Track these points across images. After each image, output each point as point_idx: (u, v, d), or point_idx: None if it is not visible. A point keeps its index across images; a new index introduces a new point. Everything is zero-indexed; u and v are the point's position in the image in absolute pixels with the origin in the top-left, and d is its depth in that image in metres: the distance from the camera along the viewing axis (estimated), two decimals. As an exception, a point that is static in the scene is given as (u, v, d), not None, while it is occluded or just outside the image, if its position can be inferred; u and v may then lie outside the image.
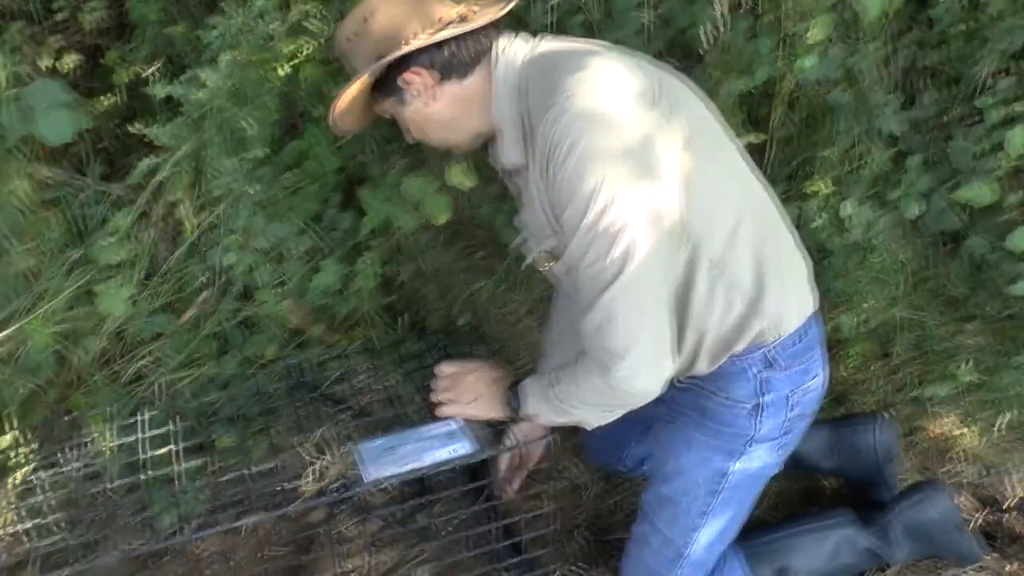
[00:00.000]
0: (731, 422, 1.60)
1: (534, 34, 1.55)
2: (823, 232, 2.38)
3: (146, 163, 2.10)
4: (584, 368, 1.47)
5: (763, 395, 1.56)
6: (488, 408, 1.69)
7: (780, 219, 1.63)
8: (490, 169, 1.84)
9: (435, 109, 1.50)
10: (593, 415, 1.55)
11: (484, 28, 1.47)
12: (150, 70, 2.54)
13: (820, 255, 2.52)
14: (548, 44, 1.50)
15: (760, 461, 1.65)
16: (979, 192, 2.41)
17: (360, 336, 2.37)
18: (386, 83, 1.49)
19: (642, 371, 1.42)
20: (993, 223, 2.55)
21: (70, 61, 2.34)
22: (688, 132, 1.43)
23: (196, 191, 2.23)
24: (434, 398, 1.73)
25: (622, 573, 1.81)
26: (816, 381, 1.63)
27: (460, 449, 1.64)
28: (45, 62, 2.35)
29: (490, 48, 1.48)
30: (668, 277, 1.43)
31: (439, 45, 1.44)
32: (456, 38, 1.45)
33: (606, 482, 2.19)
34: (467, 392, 1.70)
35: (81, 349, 2.11)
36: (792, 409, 1.61)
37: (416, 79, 1.46)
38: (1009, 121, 2.36)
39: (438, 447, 1.64)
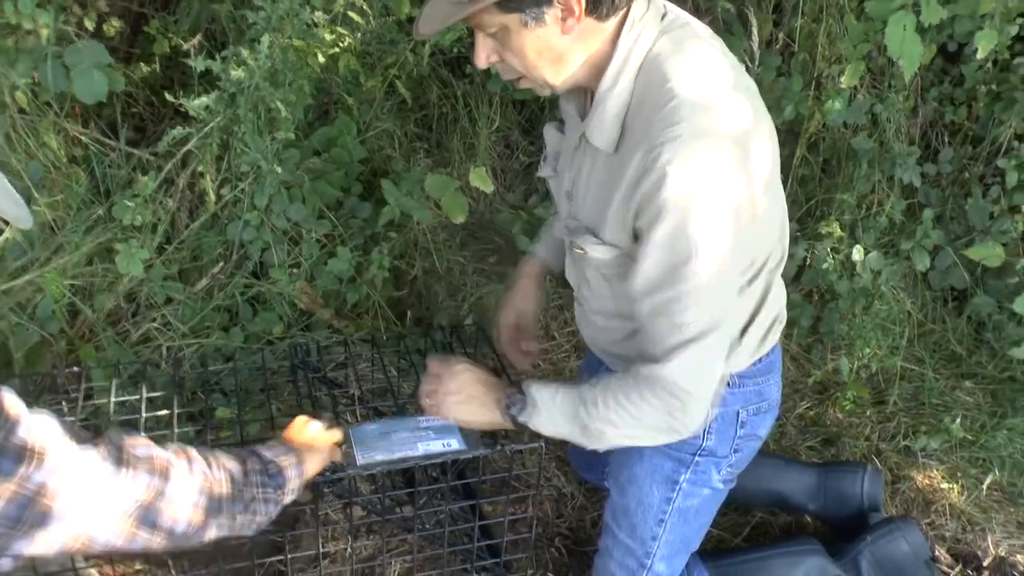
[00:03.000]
0: None
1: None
2: (832, 274, 2.40)
3: (177, 131, 2.13)
4: (647, 400, 1.38)
5: (712, 407, 1.49)
6: (479, 411, 1.54)
7: None
8: (512, 176, 1.87)
9: (564, 40, 1.32)
10: (622, 440, 1.46)
11: None
12: (190, 43, 2.59)
13: (827, 296, 2.55)
14: (675, 27, 1.37)
15: (709, 476, 1.64)
16: (990, 252, 2.44)
17: (367, 325, 2.40)
18: None
19: (705, 412, 1.40)
20: (1002, 284, 2.57)
21: (114, 26, 2.38)
22: (773, 167, 1.41)
23: (222, 165, 2.27)
24: (420, 396, 1.60)
25: None
26: (767, 404, 1.64)
27: (453, 444, 1.63)
28: (89, 24, 2.39)
29: (634, 1, 1.34)
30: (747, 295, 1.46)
31: None
32: None
33: (589, 494, 2.22)
34: (457, 392, 1.55)
35: (94, 304, 2.14)
36: (742, 427, 1.60)
37: (574, 3, 1.28)
38: (1026, 185, 2.39)
39: (432, 439, 1.64)
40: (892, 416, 2.46)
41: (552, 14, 1.28)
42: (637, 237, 1.34)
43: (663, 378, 1.35)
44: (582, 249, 1.46)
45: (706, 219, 1.27)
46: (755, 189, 1.33)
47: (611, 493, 1.76)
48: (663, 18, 1.37)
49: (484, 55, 1.37)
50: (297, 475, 1.38)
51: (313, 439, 1.49)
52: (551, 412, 1.46)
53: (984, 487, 2.30)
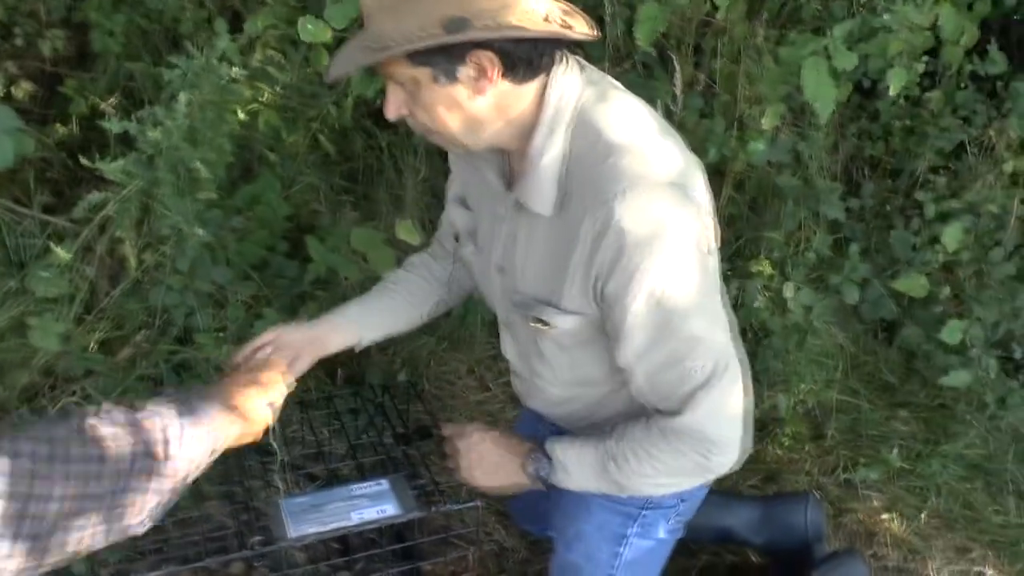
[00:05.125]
0: None
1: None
2: (764, 312, 2.42)
3: (94, 196, 2.07)
4: (674, 452, 1.38)
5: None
6: (504, 477, 1.53)
7: None
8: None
9: (476, 102, 1.27)
10: (659, 489, 1.47)
11: (559, 41, 1.29)
12: (108, 102, 2.53)
13: (760, 334, 2.56)
14: (594, 79, 1.36)
15: (657, 528, 1.63)
16: (915, 283, 2.48)
17: (295, 387, 2.34)
18: (434, 52, 1.22)
19: (737, 448, 1.40)
20: (928, 314, 2.62)
21: (24, 88, 2.33)
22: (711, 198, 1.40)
23: (143, 229, 2.21)
24: (449, 466, 1.59)
25: None
26: None
27: (388, 509, 1.62)
28: (-1, 88, 2.34)
29: (553, 64, 1.30)
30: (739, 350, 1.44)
31: (521, 39, 1.23)
32: (541, 39, 1.25)
33: (532, 547, 2.18)
34: (478, 462, 1.54)
35: (6, 382, 2.06)
36: None
37: (485, 64, 1.22)
38: (944, 216, 2.44)
39: (366, 507, 1.62)
40: (831, 449, 2.48)
41: (465, 73, 1.24)
42: (603, 300, 1.32)
43: (687, 428, 1.35)
44: (544, 323, 1.40)
45: (676, 270, 1.27)
46: (704, 219, 1.32)
47: (557, 548, 1.72)
48: (582, 71, 1.34)
49: (394, 107, 1.31)
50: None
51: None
52: (581, 472, 1.46)
53: (923, 515, 2.32)
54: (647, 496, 1.55)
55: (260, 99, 2.44)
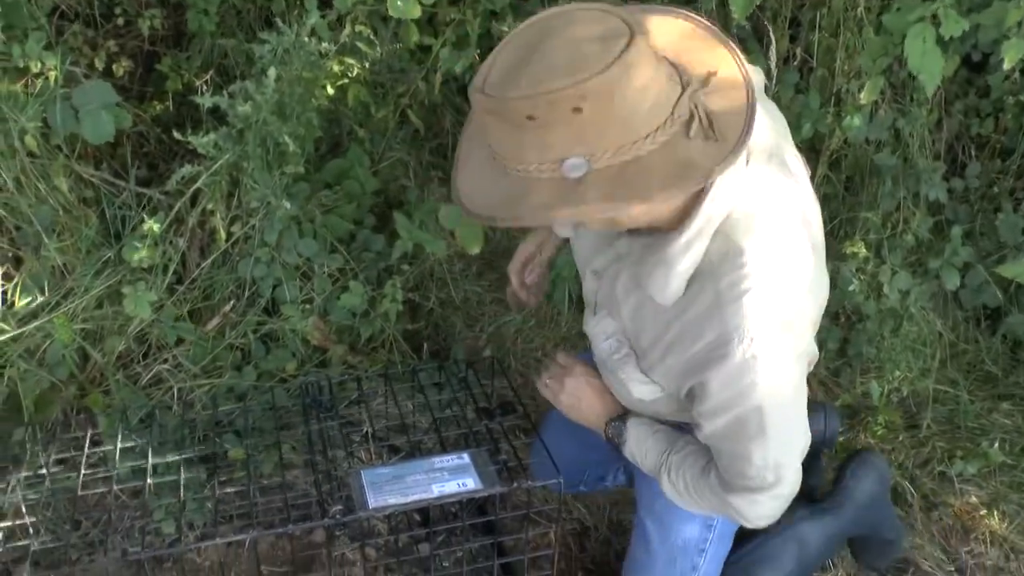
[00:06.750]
0: None
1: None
2: (859, 295, 2.33)
3: (186, 170, 2.12)
4: (715, 505, 1.48)
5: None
6: (584, 416, 1.62)
7: None
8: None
9: (642, 209, 1.21)
10: (683, 506, 1.55)
11: None
12: (202, 80, 2.58)
13: (854, 319, 2.47)
14: (756, 187, 1.28)
15: None
16: (1023, 269, 2.35)
17: (381, 360, 2.36)
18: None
19: (768, 520, 1.47)
20: (1036, 301, 2.49)
21: (124, 65, 2.38)
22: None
23: (232, 202, 2.25)
24: (542, 380, 1.66)
25: None
26: None
27: (468, 483, 1.61)
28: (99, 65, 2.39)
29: None
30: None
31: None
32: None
33: (613, 527, 2.15)
34: (572, 392, 1.61)
35: (104, 348, 2.12)
36: None
37: None
38: (1060, 198, 2.31)
39: (446, 480, 1.62)
40: (926, 441, 2.38)
41: None
42: (692, 393, 1.35)
43: (730, 504, 1.43)
44: (624, 383, 1.46)
45: (771, 410, 1.30)
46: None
47: (644, 525, 1.71)
48: (747, 162, 1.26)
49: (561, 227, 1.29)
50: None
51: None
52: (643, 463, 1.55)
53: (1026, 513, 2.21)
54: None
55: (349, 74, 2.45)
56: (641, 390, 1.45)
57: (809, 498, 1.92)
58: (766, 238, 1.26)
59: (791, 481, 1.41)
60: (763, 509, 1.43)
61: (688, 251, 1.25)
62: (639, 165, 1.09)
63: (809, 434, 1.43)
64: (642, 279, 1.32)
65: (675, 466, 1.50)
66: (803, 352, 1.36)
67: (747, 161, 1.27)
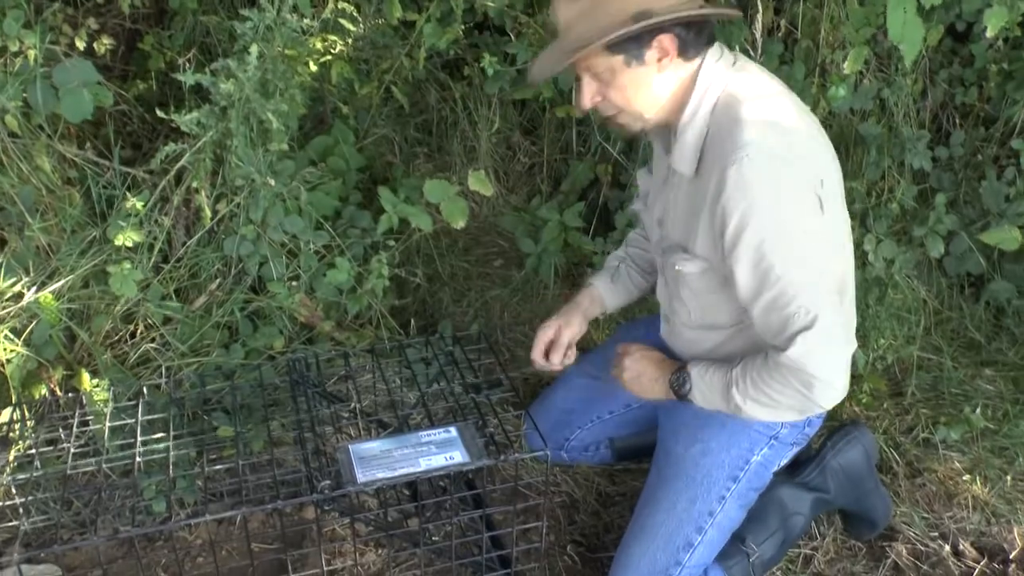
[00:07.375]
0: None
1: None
2: (844, 264, 2.34)
3: (170, 148, 2.11)
4: (782, 382, 1.57)
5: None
6: (650, 387, 1.81)
7: None
8: (514, 178, 1.84)
9: (658, 78, 1.54)
10: (765, 416, 1.66)
11: (712, 23, 1.56)
12: (185, 58, 2.57)
13: (839, 287, 2.48)
14: (743, 69, 1.58)
15: (776, 457, 1.81)
16: (1007, 235, 2.37)
17: (368, 336, 2.37)
18: (628, 41, 1.49)
19: (834, 392, 1.57)
20: (1020, 268, 2.51)
21: (105, 44, 2.37)
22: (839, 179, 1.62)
23: (217, 180, 2.24)
24: (612, 373, 1.89)
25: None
26: None
27: (456, 457, 1.62)
28: (80, 43, 2.37)
29: (708, 45, 1.56)
30: (845, 306, 1.63)
31: (690, 21, 1.50)
32: (704, 21, 1.52)
33: (602, 500, 2.17)
34: (640, 376, 1.83)
35: (91, 327, 2.12)
36: (808, 424, 1.82)
37: (667, 44, 1.50)
38: (1043, 166, 2.32)
39: (434, 453, 1.63)
40: (910, 408, 2.40)
41: (650, 55, 1.51)
42: (723, 250, 1.54)
43: (791, 364, 1.53)
44: (676, 266, 1.68)
45: (778, 227, 1.48)
46: (815, 178, 1.52)
47: (667, 463, 1.83)
48: (734, 64, 1.58)
49: (589, 97, 1.59)
50: None
51: None
52: (711, 391, 1.69)
53: (1008, 478, 2.23)
54: (769, 425, 1.76)
55: (332, 51, 2.44)
56: (694, 267, 1.65)
57: (792, 467, 1.96)
58: (760, 104, 1.52)
59: (831, 319, 1.52)
60: (819, 356, 1.52)
61: (693, 122, 1.55)
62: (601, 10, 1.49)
63: (836, 275, 1.60)
64: (675, 168, 1.61)
65: (739, 375, 1.63)
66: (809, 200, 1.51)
67: (733, 63, 1.57)
